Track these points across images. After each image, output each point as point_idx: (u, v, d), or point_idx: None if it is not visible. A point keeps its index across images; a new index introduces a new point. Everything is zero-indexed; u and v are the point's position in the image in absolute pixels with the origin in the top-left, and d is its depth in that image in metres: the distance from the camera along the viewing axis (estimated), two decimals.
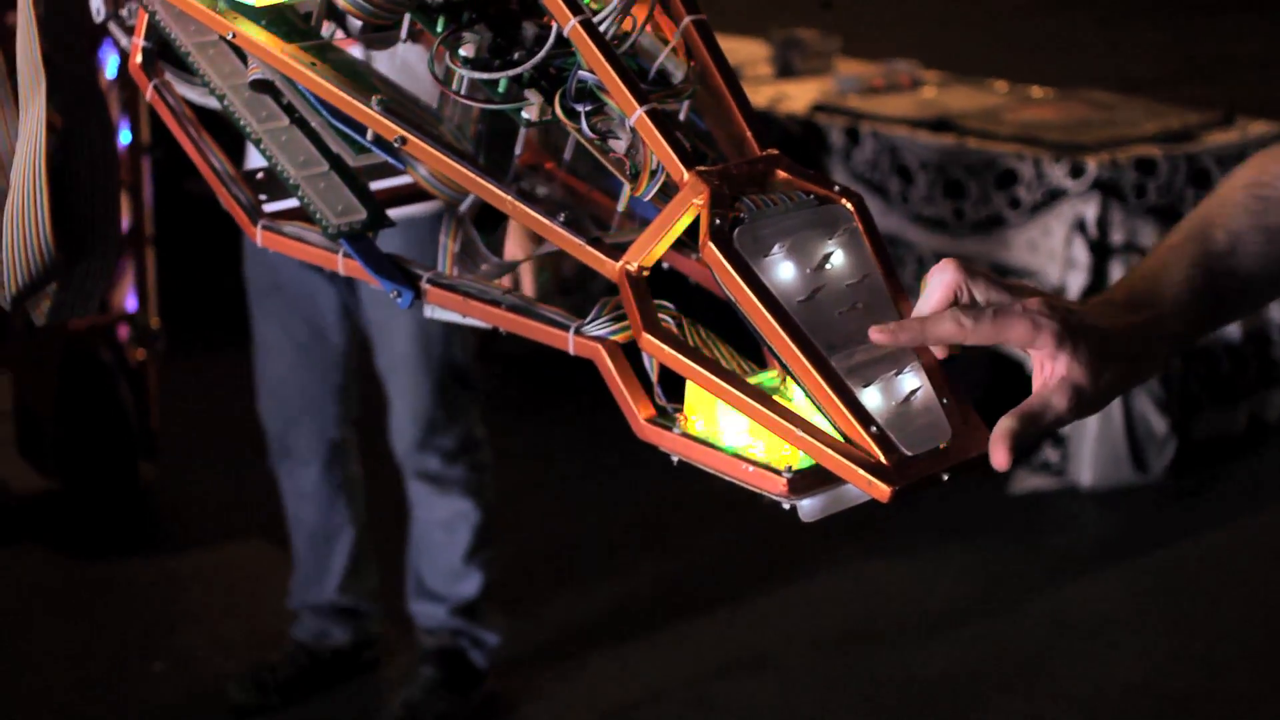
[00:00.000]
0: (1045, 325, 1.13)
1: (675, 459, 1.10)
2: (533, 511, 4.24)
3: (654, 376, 1.14)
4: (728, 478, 1.08)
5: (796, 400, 1.10)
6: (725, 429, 1.09)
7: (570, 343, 1.16)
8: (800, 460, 1.06)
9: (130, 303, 4.15)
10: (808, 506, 1.07)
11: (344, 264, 1.28)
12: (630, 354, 1.14)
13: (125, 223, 4.10)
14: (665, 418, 1.12)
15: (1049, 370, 1.15)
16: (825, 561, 3.95)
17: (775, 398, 1.08)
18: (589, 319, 1.16)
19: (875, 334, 1.09)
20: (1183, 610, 3.85)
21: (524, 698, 3.44)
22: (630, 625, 3.70)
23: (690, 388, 1.10)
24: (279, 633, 3.49)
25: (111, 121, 1.58)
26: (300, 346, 3.29)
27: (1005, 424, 1.11)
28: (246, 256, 3.30)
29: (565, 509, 4.30)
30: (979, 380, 4.96)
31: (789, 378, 1.10)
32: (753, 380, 1.11)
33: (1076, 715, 3.43)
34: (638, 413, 1.12)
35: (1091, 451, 4.33)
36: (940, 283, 1.13)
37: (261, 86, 1.29)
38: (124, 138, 4.08)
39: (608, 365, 1.14)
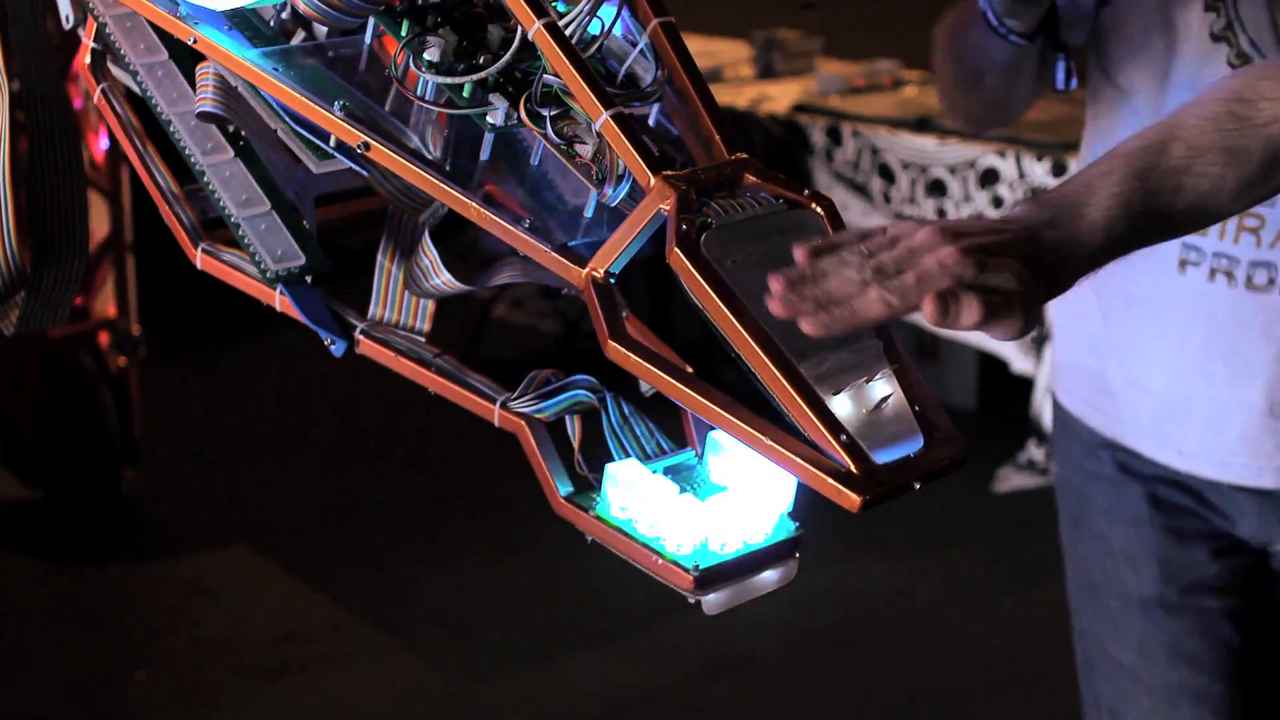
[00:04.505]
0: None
1: (590, 538, 1.11)
2: (516, 515, 4.23)
3: (576, 444, 1.17)
4: (637, 566, 1.10)
5: (712, 478, 1.14)
6: (639, 516, 1.10)
7: (496, 416, 1.18)
8: (706, 557, 1.08)
9: (110, 309, 4.13)
10: (711, 601, 1.09)
11: (280, 301, 1.28)
12: (552, 426, 1.18)
13: (105, 229, 4.08)
14: (583, 494, 1.14)
15: None
16: (809, 564, 3.91)
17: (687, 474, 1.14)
18: (516, 394, 1.18)
19: (808, 326, 1.06)
20: None
21: (506, 703, 3.43)
22: (616, 629, 3.69)
23: (608, 472, 1.12)
24: (262, 638, 3.48)
25: (78, 127, 1.56)
26: None
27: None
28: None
29: (548, 511, 4.28)
30: (968, 386, 4.95)
31: (705, 459, 1.14)
32: (669, 462, 1.14)
33: (1063, 715, 3.42)
34: (556, 491, 1.15)
35: None
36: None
37: (208, 118, 1.27)
38: (104, 144, 4.06)
39: (530, 443, 1.17)
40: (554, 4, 1.17)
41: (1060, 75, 1.81)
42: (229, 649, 3.60)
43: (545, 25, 1.13)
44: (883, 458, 1.05)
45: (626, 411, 1.15)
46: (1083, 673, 2.06)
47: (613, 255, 1.11)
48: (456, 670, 3.56)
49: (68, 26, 1.48)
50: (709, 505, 1.09)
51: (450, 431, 4.73)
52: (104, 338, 4.13)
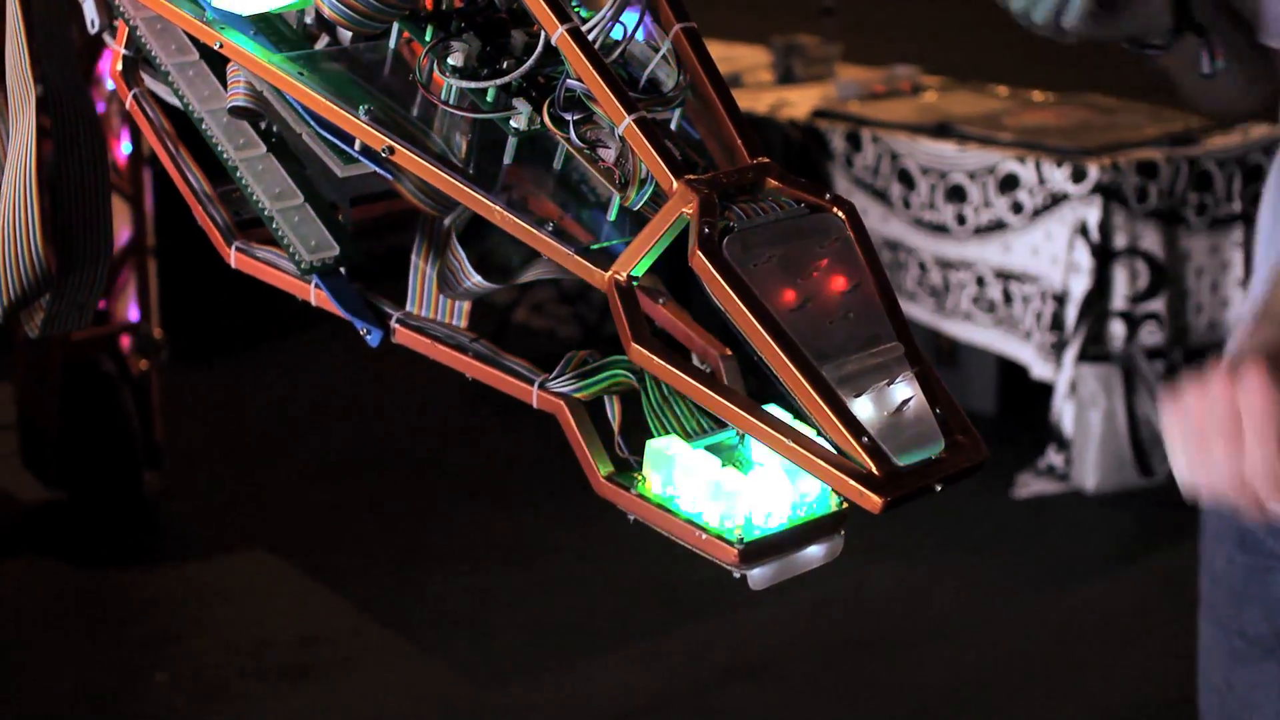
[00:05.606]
0: None
1: (632, 518, 1.11)
2: (534, 519, 4.23)
3: (616, 426, 1.15)
4: (680, 542, 1.09)
5: (753, 455, 1.12)
6: (682, 492, 1.10)
7: (534, 397, 1.17)
8: (751, 531, 1.07)
9: (132, 313, 4.15)
10: (757, 575, 1.08)
11: (315, 295, 1.28)
12: (592, 406, 1.17)
13: (127, 233, 4.10)
14: (624, 474, 1.13)
15: None
16: (827, 567, 3.92)
17: (733, 456, 1.11)
18: (554, 374, 1.17)
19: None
20: (1190, 612, 3.83)
21: (524, 706, 3.43)
22: (632, 632, 3.69)
23: (649, 449, 1.11)
24: (282, 641, 3.49)
25: (103, 131, 1.57)
26: None
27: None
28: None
29: (566, 514, 4.29)
30: (988, 391, 4.95)
31: (747, 436, 1.12)
32: (710, 441, 1.13)
33: None
34: (597, 470, 1.13)
35: (1095, 455, 4.32)
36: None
37: (240, 113, 1.28)
38: (125, 148, 4.07)
39: (570, 423, 1.15)
40: (577, 9, 1.18)
41: (1205, 61, 1.72)
42: (249, 652, 3.62)
43: (568, 30, 1.14)
44: (904, 460, 1.05)
45: (666, 391, 1.14)
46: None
47: (635, 258, 1.11)
48: (474, 673, 3.57)
49: (93, 31, 1.49)
50: (752, 480, 1.09)
51: (469, 435, 4.74)
52: (126, 341, 4.15)
